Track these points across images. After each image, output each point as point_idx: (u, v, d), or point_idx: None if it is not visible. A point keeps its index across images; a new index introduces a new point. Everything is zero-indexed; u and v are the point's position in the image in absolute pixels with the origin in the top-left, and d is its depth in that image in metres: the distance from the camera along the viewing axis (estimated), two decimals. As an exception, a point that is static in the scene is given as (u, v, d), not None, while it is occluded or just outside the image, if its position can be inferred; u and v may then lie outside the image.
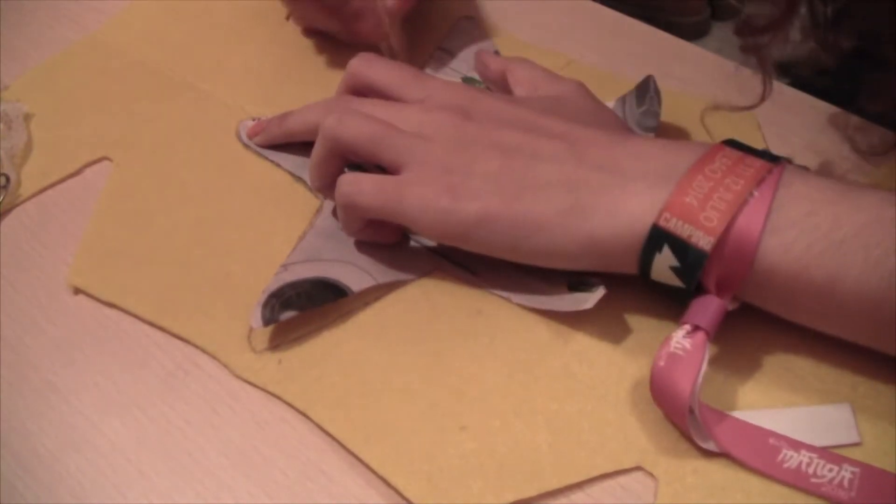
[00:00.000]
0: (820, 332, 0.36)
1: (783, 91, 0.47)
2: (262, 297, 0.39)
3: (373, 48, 0.48)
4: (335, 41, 0.51)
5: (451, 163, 0.38)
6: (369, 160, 0.40)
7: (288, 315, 0.38)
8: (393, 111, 0.41)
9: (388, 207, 0.38)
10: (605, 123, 0.42)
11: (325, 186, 0.41)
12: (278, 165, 0.46)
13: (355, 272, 0.40)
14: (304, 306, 0.39)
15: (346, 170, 0.41)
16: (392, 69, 0.43)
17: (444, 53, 0.51)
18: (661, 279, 0.36)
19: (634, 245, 0.36)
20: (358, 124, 0.39)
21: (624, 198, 0.36)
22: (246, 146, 0.47)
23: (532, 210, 0.37)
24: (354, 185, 0.39)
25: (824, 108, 0.47)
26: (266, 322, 0.38)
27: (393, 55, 0.49)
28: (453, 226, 0.37)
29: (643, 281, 0.37)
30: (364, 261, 0.41)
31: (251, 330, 0.39)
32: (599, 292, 0.37)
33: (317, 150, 0.41)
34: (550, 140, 0.38)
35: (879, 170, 0.43)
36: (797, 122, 0.46)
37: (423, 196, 0.37)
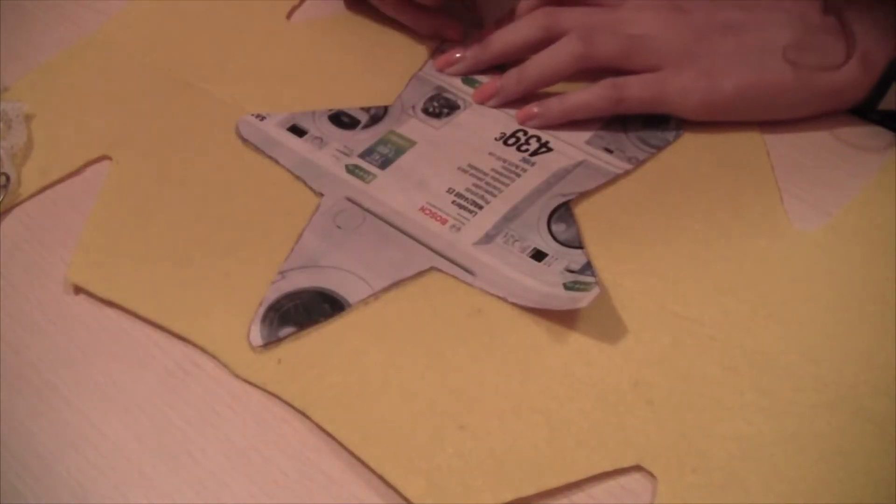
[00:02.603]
0: (825, 336, 0.36)
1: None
2: (260, 311, 0.39)
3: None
4: (341, 38, 0.51)
5: (695, 50, 0.44)
6: (620, 69, 0.45)
7: (287, 331, 0.39)
8: (614, 18, 0.46)
9: (657, 100, 0.44)
10: None
11: (545, 82, 0.46)
12: (277, 162, 0.46)
13: (352, 281, 0.40)
14: (303, 322, 0.39)
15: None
16: None
17: None
18: (890, 107, 0.43)
19: (869, 82, 0.42)
20: (606, 41, 0.45)
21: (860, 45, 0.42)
22: (245, 143, 0.47)
23: (781, 73, 0.43)
24: (623, 88, 0.44)
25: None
26: (266, 340, 0.38)
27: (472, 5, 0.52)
28: (715, 103, 0.44)
29: (862, 115, 0.44)
30: (360, 267, 0.41)
31: (251, 329, 0.39)
32: (594, 291, 0.37)
33: (558, 65, 0.45)
34: (769, 12, 0.44)
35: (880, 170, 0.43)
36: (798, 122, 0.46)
37: (683, 84, 0.44)
